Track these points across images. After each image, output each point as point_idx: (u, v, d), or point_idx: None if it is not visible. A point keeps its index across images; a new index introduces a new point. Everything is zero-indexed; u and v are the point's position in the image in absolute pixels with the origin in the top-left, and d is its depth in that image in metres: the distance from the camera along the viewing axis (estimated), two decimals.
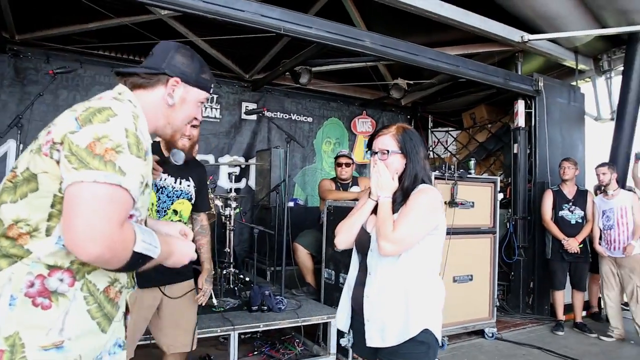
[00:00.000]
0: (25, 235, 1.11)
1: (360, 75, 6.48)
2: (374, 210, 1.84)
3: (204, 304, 2.68)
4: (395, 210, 1.79)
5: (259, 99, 6.32)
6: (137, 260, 1.12)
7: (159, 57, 1.33)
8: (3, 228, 1.11)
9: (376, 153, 1.85)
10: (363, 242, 1.87)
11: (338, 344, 3.81)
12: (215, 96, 5.92)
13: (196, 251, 1.42)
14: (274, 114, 6.34)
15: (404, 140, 1.82)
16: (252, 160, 6.08)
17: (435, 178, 4.19)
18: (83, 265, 1.14)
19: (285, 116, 6.46)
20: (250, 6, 3.65)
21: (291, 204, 5.62)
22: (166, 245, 1.23)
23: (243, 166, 6.06)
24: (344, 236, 1.90)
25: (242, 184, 6.24)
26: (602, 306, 5.27)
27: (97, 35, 5.05)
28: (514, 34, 5.28)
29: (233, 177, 4.77)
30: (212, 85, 1.44)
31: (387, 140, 1.83)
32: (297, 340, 3.95)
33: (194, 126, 2.32)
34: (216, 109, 5.94)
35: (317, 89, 6.61)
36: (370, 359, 1.87)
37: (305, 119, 6.67)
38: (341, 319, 1.99)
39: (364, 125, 7.18)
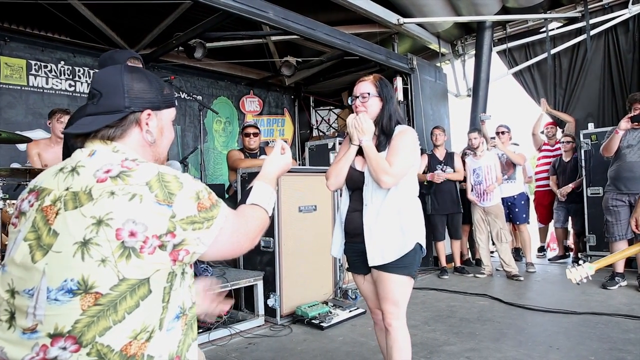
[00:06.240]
0: (145, 342, 0.99)
1: (248, 54, 6.53)
2: (358, 152, 2.07)
3: None
4: (382, 149, 2.03)
5: None
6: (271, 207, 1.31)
7: (113, 94, 1.12)
8: (119, 353, 0.96)
9: (357, 97, 2.08)
10: (355, 179, 2.08)
11: (265, 305, 3.93)
12: (93, 71, 5.45)
13: None
14: None
15: (381, 86, 2.09)
16: None
17: (339, 143, 4.55)
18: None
19: (174, 94, 6.20)
20: None
21: None
22: (268, 177, 1.39)
23: None
24: (335, 179, 2.09)
25: None
26: (471, 254, 6.27)
27: None
28: (392, 17, 5.88)
29: None
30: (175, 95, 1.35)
31: (367, 86, 2.08)
32: None
33: None
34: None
35: (205, 68, 6.50)
36: (364, 273, 2.14)
37: (195, 97, 6.49)
38: (335, 247, 2.19)
39: (251, 104, 7.25)
